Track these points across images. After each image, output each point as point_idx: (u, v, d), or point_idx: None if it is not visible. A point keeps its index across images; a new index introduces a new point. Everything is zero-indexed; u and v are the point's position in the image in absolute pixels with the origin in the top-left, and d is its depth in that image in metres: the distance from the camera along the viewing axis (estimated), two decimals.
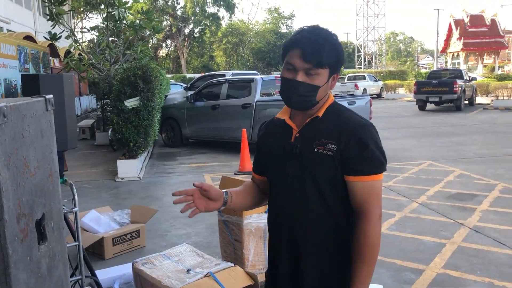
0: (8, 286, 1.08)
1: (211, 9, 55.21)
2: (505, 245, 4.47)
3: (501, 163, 8.40)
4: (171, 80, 23.95)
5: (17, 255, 1.11)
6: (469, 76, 22.23)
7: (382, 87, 31.53)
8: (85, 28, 16.61)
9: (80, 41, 11.98)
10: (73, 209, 3.11)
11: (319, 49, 1.53)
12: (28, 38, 11.10)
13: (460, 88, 18.69)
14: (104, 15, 10.76)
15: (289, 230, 1.65)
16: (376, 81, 31.69)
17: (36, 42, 11.40)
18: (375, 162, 1.55)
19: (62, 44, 13.03)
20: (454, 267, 4.00)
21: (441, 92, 18.84)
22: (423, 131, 13.41)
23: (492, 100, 21.59)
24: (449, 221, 5.26)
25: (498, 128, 13.34)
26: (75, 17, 24.19)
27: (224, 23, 57.33)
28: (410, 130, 13.67)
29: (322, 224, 1.61)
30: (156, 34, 13.93)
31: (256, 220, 3.59)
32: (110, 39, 11.08)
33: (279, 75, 1.72)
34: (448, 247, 4.47)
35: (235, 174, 7.95)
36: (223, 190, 1.73)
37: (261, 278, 2.80)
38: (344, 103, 8.56)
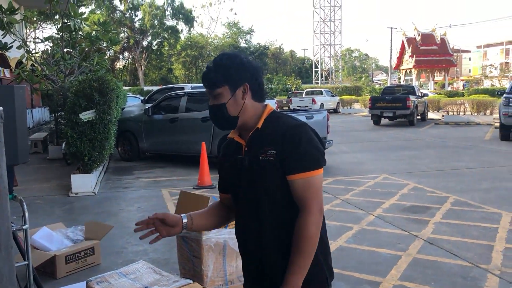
0: None
1: (169, 22, 55.11)
2: (457, 256, 4.62)
3: (452, 176, 8.72)
4: (128, 93, 23.59)
5: None
6: (421, 92, 23.11)
7: (338, 102, 32.29)
8: (38, 38, 16.14)
9: (33, 51, 11.60)
10: (23, 227, 3.01)
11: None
12: None
13: (412, 104, 19.41)
14: (59, 26, 10.49)
15: (253, 240, 1.73)
16: (333, 96, 32.44)
17: None
18: (309, 158, 1.64)
19: (14, 54, 12.57)
20: (410, 278, 4.09)
21: (394, 107, 19.49)
22: (378, 145, 13.78)
23: (443, 116, 22.49)
24: (404, 233, 5.40)
25: (449, 143, 13.89)
26: (28, 27, 23.48)
27: (183, 36, 57.29)
28: (365, 144, 14.02)
29: (282, 229, 1.68)
30: (113, 46, 13.69)
31: (216, 235, 3.54)
32: (65, 50, 10.79)
33: None
34: (404, 259, 4.57)
35: (194, 188, 7.86)
36: (182, 215, 1.81)
37: None
38: (302, 117, 8.68)
